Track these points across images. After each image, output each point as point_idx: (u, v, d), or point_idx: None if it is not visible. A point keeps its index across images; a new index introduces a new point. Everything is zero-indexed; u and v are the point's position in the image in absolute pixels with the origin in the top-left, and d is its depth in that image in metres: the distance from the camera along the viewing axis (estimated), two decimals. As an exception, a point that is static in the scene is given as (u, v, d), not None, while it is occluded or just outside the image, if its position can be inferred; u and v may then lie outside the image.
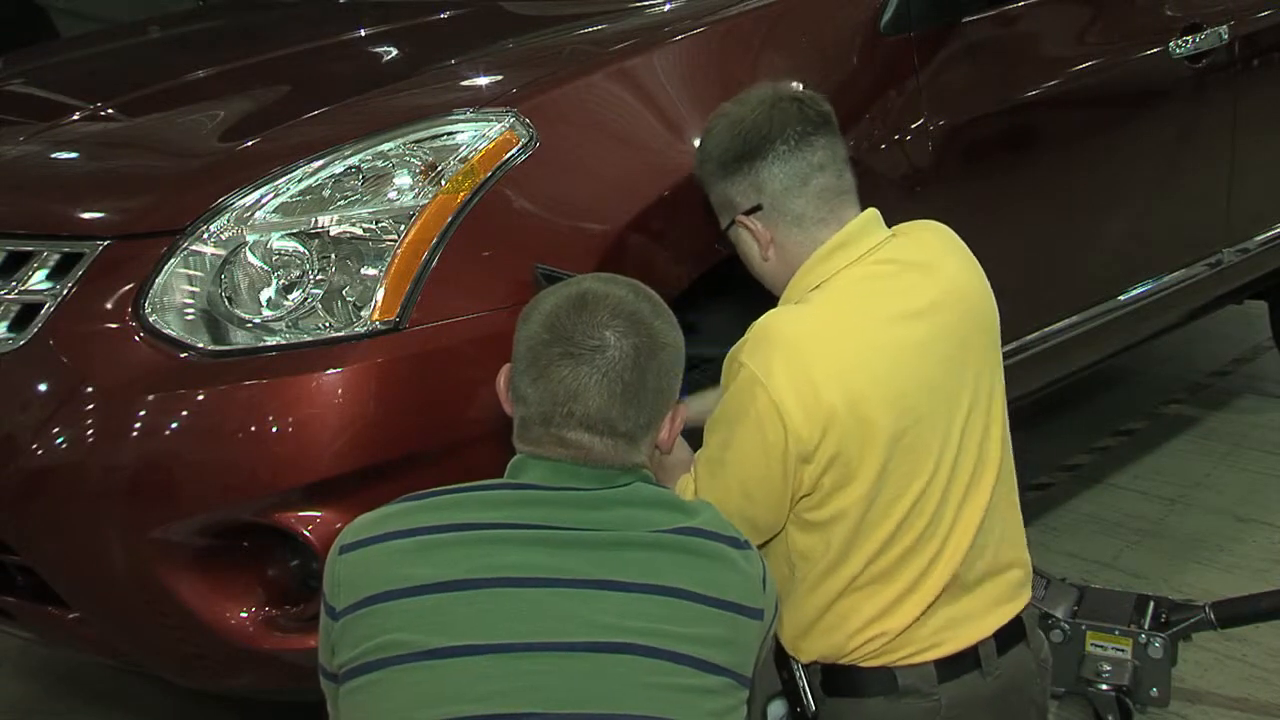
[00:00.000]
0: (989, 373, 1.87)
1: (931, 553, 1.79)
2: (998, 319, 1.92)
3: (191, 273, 1.94)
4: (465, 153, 1.99)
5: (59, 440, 1.91)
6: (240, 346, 1.91)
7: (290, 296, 1.92)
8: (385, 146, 2.00)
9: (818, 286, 1.83)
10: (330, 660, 1.53)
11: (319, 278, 1.92)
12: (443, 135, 2.02)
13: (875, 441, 1.73)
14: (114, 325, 1.94)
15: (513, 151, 2.01)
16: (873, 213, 1.89)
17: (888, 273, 1.83)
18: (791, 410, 1.70)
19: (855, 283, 1.82)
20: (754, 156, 1.84)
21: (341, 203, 1.95)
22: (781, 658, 1.87)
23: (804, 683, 1.85)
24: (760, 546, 1.83)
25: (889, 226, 1.92)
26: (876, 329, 1.77)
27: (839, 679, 1.85)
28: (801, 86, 2.07)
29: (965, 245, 1.94)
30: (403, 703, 1.43)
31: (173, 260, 1.94)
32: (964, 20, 2.60)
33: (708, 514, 1.59)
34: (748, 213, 1.87)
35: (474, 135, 2.01)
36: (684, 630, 1.47)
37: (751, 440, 1.74)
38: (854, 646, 1.81)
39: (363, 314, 1.89)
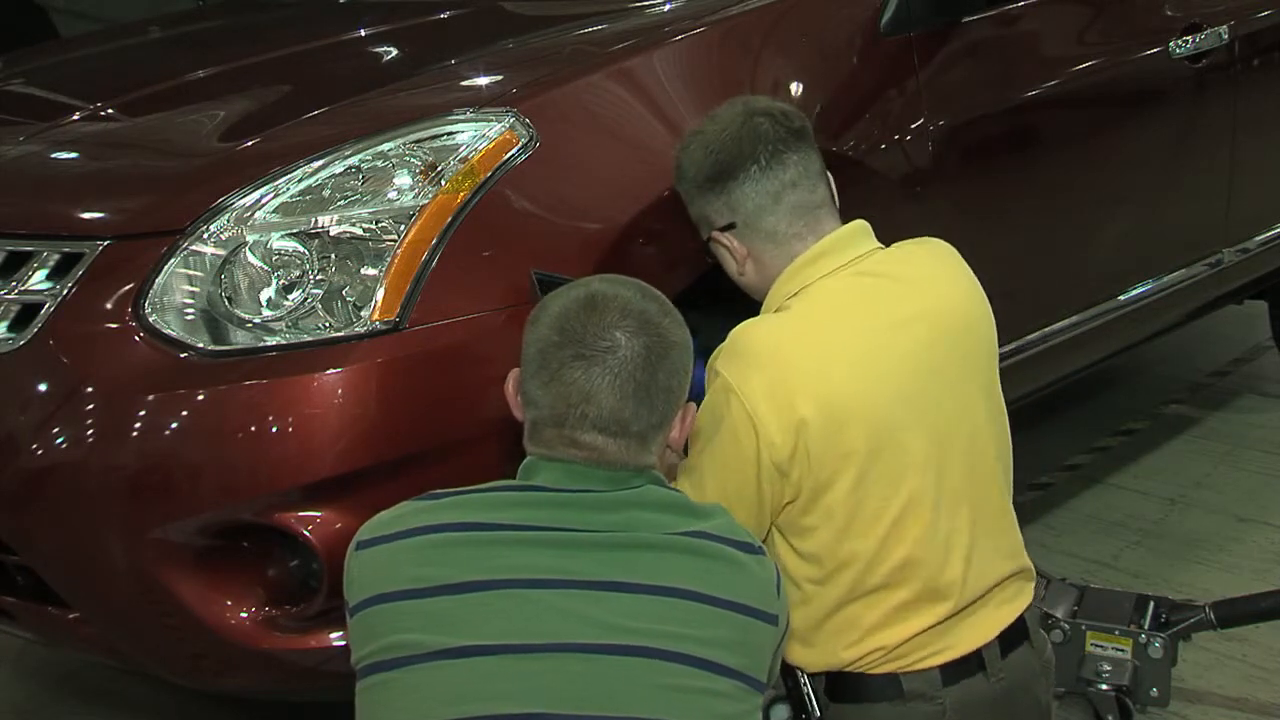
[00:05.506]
0: (977, 388, 1.87)
1: (932, 565, 1.79)
2: (992, 336, 1.93)
3: (191, 273, 1.94)
4: (465, 153, 1.99)
5: (59, 440, 1.91)
6: (240, 346, 1.91)
7: (290, 296, 1.92)
8: (385, 146, 2.00)
9: (796, 294, 1.85)
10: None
11: (319, 278, 1.92)
12: (443, 135, 2.02)
13: (850, 447, 1.74)
14: (114, 325, 1.93)
15: (513, 152, 2.01)
16: (860, 225, 1.91)
17: (866, 285, 1.84)
18: (765, 418, 1.72)
19: (833, 293, 1.84)
20: (727, 177, 1.87)
21: (341, 203, 1.95)
22: (785, 664, 1.86)
23: (808, 689, 1.85)
24: None
25: (891, 225, 1.92)
26: (851, 339, 1.78)
27: (844, 685, 1.84)
28: (775, 98, 2.04)
29: (964, 264, 1.94)
30: (413, 702, 1.44)
31: (173, 260, 1.94)
32: (964, 20, 2.60)
33: (720, 519, 1.59)
34: (723, 229, 1.90)
35: (474, 135, 2.01)
36: (693, 632, 1.47)
37: (727, 449, 1.75)
38: (854, 657, 1.81)
39: (363, 314, 1.89)
